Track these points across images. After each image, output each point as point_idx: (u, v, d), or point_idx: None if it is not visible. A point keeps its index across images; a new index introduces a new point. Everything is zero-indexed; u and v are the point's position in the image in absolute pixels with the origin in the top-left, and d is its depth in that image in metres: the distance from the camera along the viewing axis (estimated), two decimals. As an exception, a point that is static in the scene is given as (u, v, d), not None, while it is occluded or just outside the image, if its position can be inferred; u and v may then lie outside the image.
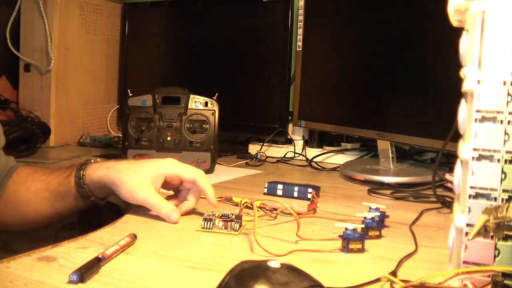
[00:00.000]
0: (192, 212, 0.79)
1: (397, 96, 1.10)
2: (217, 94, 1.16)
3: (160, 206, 0.73)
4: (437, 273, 0.46)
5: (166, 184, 0.79)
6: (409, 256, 0.61)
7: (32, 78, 1.49)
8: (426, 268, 0.58)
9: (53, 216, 0.82)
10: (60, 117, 1.50)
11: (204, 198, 0.86)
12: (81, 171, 0.78)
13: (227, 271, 0.43)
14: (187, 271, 0.55)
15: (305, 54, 1.33)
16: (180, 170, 0.77)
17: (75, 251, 0.59)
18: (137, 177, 0.74)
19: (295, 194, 0.91)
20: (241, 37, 1.49)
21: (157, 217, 0.76)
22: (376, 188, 1.01)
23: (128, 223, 0.73)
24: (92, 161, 0.80)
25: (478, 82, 0.42)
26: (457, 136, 0.48)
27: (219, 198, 0.84)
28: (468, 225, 0.43)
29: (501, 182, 0.42)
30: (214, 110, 1.14)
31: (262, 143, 1.40)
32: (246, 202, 0.74)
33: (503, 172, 0.42)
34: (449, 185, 0.99)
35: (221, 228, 0.69)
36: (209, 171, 1.13)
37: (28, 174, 0.82)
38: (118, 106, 1.71)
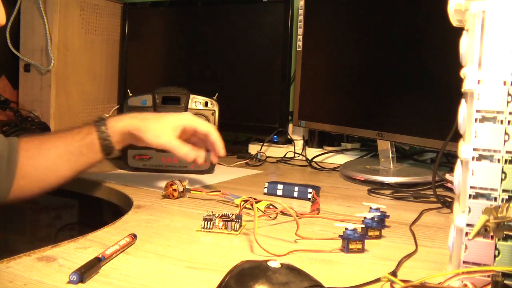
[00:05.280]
0: (192, 212, 0.79)
1: (397, 96, 1.10)
2: (217, 94, 1.16)
3: (180, 147, 0.84)
4: (437, 273, 0.46)
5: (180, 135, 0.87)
6: (409, 256, 0.61)
7: (32, 78, 1.49)
8: (426, 268, 0.58)
9: (74, 176, 0.85)
10: (60, 117, 1.50)
11: (200, 192, 0.87)
12: (102, 126, 0.82)
13: (227, 271, 0.43)
14: (187, 271, 0.55)
15: (305, 54, 1.33)
16: (197, 122, 0.88)
17: (75, 251, 0.59)
18: (161, 124, 0.85)
19: (295, 194, 0.91)
20: (241, 37, 1.48)
21: (157, 217, 0.76)
22: (376, 188, 1.01)
23: (128, 223, 0.73)
24: (107, 115, 0.86)
25: (478, 82, 0.42)
26: (457, 136, 0.48)
27: (215, 192, 0.86)
28: (468, 225, 0.43)
29: (501, 182, 0.42)
30: (214, 110, 1.14)
31: (262, 143, 1.40)
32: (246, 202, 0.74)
33: (503, 172, 0.42)
34: (449, 185, 0.99)
35: (221, 228, 0.69)
36: (209, 171, 1.13)
37: (38, 145, 0.82)
38: (118, 106, 1.71)
